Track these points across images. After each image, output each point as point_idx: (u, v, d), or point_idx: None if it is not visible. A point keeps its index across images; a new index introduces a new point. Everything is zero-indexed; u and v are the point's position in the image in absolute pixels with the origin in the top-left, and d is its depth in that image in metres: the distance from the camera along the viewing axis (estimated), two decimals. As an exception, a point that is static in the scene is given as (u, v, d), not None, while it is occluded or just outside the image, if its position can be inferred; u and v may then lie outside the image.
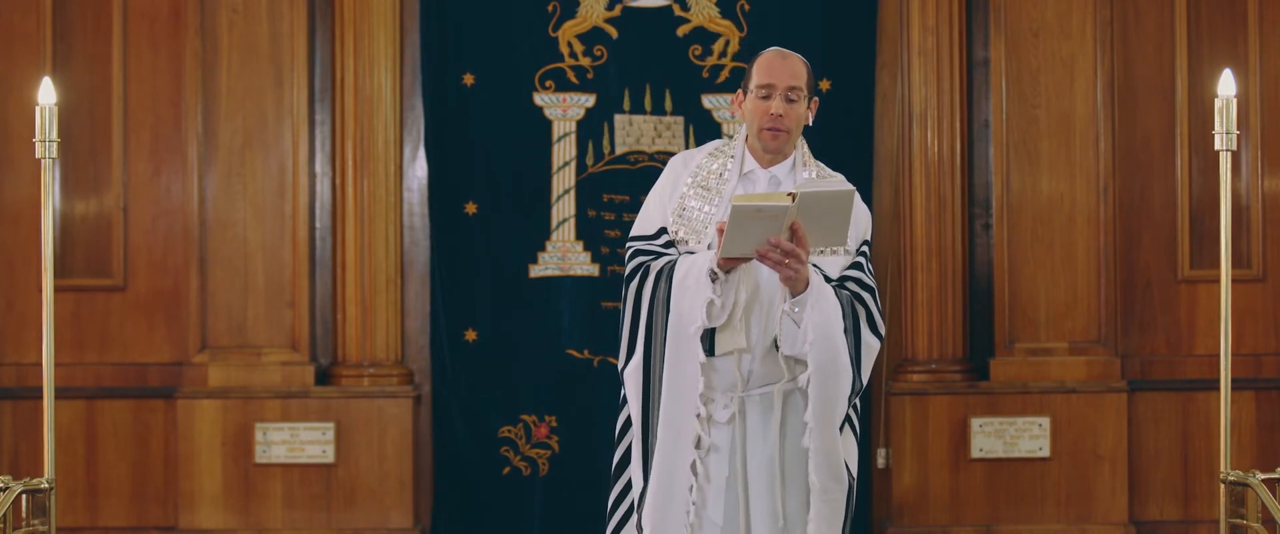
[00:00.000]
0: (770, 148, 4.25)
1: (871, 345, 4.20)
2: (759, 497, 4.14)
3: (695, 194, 4.27)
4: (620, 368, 4.28)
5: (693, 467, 4.12)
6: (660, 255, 4.22)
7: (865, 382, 4.24)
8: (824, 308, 4.07)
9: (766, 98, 4.22)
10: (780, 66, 4.24)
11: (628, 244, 4.33)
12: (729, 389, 4.17)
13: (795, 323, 4.08)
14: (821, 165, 4.36)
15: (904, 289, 6.74)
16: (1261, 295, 6.83)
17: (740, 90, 4.33)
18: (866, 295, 4.22)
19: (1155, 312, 6.85)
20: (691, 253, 4.19)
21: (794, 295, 4.06)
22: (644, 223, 4.33)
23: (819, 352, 4.07)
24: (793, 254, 3.97)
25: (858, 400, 4.27)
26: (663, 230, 4.28)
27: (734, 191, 4.24)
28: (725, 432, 4.14)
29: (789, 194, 3.95)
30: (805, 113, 4.28)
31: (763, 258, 3.98)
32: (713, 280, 4.04)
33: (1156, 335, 6.85)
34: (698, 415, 4.13)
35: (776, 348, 4.14)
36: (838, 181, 4.07)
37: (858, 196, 4.17)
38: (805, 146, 4.35)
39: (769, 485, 4.14)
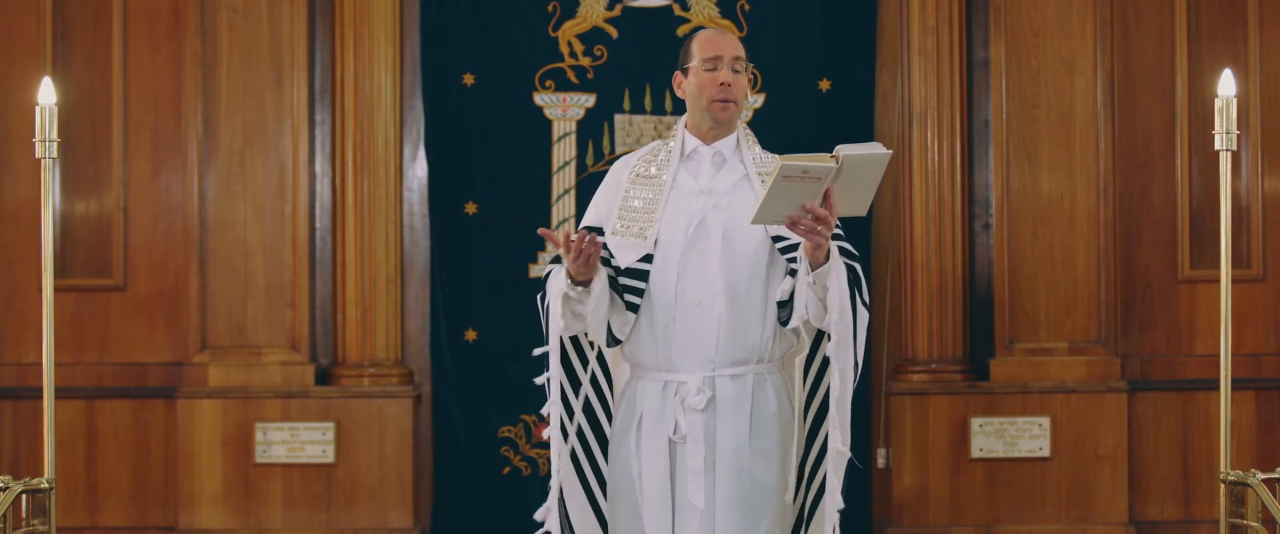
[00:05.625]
0: (721, 118, 4.20)
1: (864, 318, 4.12)
2: (726, 482, 4.11)
3: (637, 185, 4.24)
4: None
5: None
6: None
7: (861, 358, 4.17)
8: (841, 279, 4.01)
9: (713, 70, 4.19)
10: (723, 40, 4.23)
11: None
12: (701, 365, 4.14)
13: (818, 296, 4.01)
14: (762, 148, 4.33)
15: (904, 289, 6.73)
16: (1261, 295, 6.82)
17: (679, 72, 4.27)
18: (856, 265, 4.13)
19: (1155, 312, 6.84)
20: (630, 239, 4.20)
21: (814, 267, 3.99)
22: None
23: (839, 326, 4.02)
24: (825, 220, 3.88)
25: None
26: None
27: (677, 173, 4.21)
28: (699, 419, 4.13)
29: (831, 155, 3.83)
30: (747, 86, 4.28)
31: (793, 225, 3.89)
32: (565, 301, 4.18)
33: (1156, 335, 6.84)
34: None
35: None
36: (870, 144, 3.96)
37: None
38: (746, 125, 4.32)
39: (737, 471, 4.10)
